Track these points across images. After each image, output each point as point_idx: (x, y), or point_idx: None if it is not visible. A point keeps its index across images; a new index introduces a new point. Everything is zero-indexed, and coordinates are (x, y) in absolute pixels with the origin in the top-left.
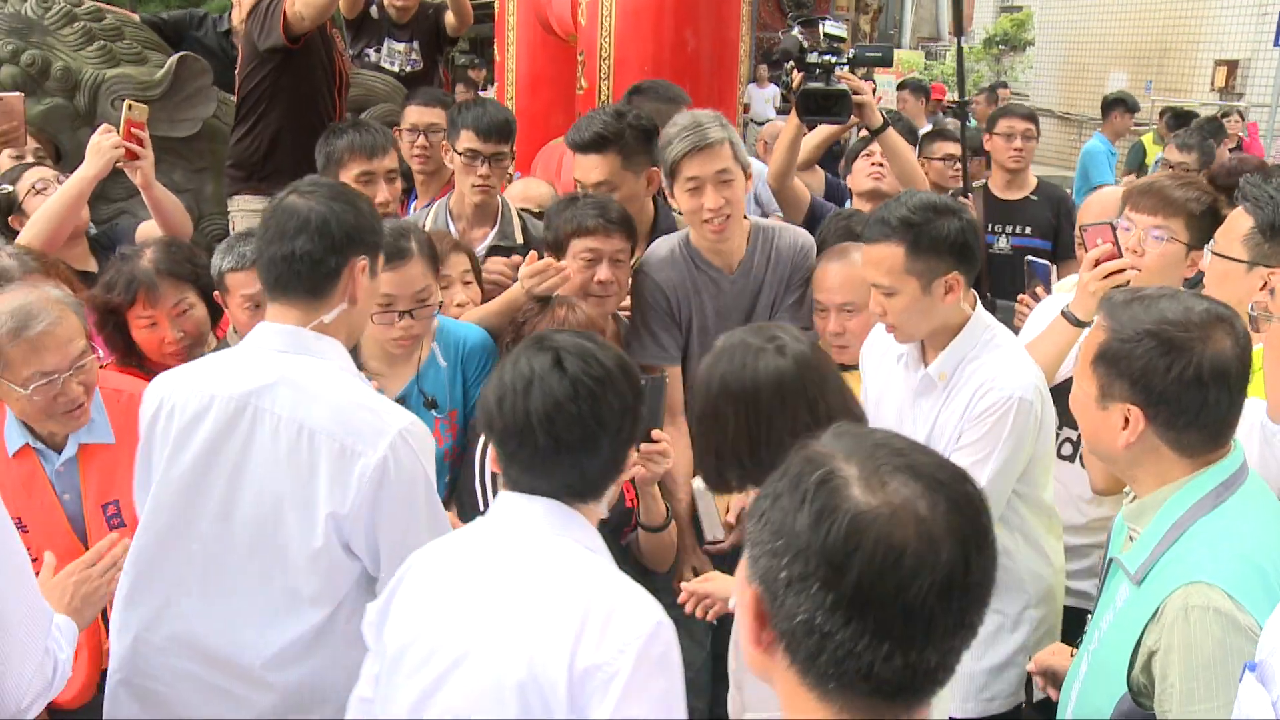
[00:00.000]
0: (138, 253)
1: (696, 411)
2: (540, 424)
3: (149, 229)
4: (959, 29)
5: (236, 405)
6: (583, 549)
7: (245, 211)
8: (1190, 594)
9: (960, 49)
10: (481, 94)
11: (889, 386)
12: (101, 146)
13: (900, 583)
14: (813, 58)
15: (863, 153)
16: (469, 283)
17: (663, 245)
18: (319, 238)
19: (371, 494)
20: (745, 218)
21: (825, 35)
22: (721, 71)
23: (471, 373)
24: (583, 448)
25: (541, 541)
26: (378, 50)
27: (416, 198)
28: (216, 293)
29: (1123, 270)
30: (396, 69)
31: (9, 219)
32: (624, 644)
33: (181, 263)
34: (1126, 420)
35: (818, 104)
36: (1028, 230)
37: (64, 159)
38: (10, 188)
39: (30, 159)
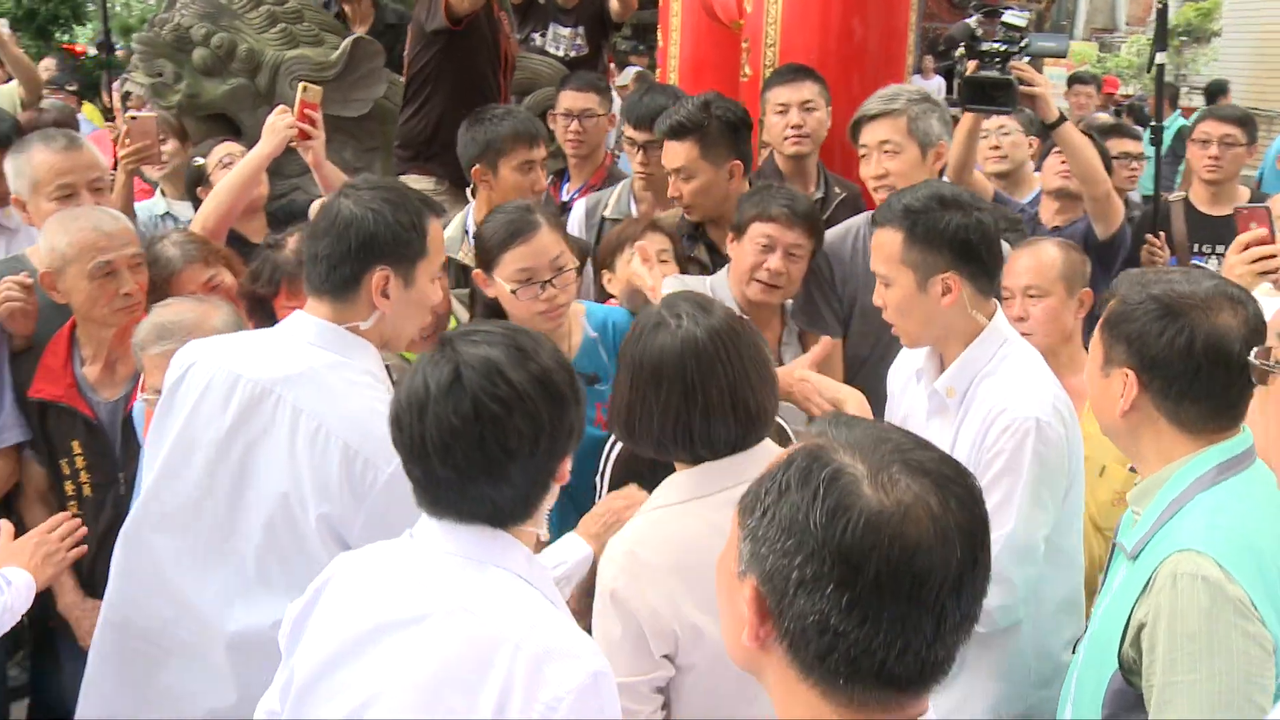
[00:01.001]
0: (281, 242)
1: None
2: (436, 452)
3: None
4: (1162, 41)
5: (262, 390)
6: (514, 578)
7: None
8: (1180, 561)
9: (1160, 68)
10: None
11: (912, 407)
12: (276, 126)
13: (915, 581)
14: (987, 46)
15: (1054, 149)
16: (665, 261)
17: (850, 221)
18: (337, 243)
19: (383, 504)
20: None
21: (1003, 24)
22: (888, 62)
23: None
24: (487, 478)
25: (465, 575)
26: (543, 35)
27: (569, 180)
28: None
29: (1274, 256)
30: (561, 53)
31: (197, 190)
32: (555, 699)
33: None
34: (1125, 386)
35: (982, 93)
36: None
37: (244, 136)
38: (201, 160)
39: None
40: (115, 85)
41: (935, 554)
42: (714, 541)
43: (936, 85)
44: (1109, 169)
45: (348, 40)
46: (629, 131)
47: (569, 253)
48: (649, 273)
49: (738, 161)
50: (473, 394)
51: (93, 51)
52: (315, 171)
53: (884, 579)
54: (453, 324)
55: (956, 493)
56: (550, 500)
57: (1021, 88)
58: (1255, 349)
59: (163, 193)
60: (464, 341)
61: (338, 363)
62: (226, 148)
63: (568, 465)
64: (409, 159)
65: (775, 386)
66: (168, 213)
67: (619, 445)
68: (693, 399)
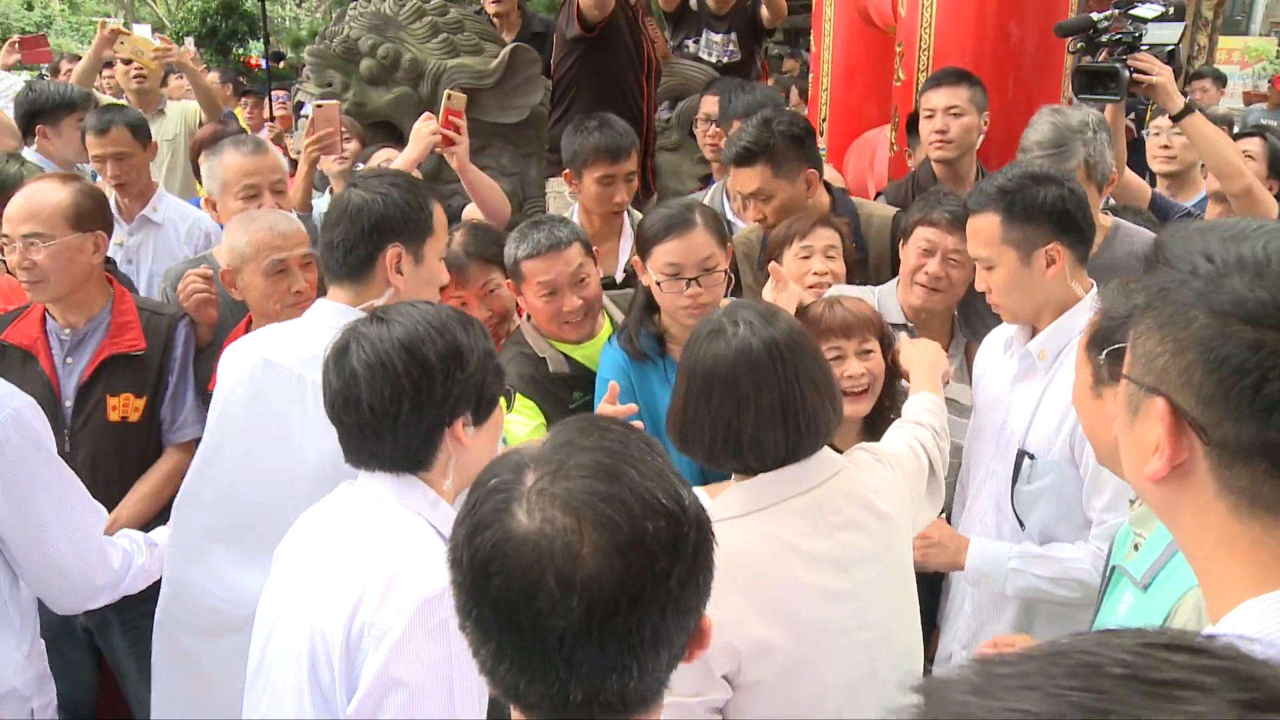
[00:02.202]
0: (448, 236)
1: None
2: (331, 410)
3: (474, 209)
4: None
5: (287, 372)
6: (411, 515)
7: (558, 193)
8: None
9: None
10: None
11: (997, 375)
12: (421, 133)
13: (535, 616)
14: (1106, 37)
15: (1154, 132)
16: (833, 258)
17: None
18: (351, 227)
19: None
20: (1104, 214)
21: (1130, 16)
22: (1045, 64)
23: None
24: (368, 433)
25: (369, 511)
26: (696, 41)
27: (714, 183)
28: (509, 281)
29: None
30: (714, 59)
31: None
32: (401, 606)
33: (488, 245)
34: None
35: (1090, 82)
36: None
37: (404, 143)
38: (361, 166)
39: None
40: (281, 96)
41: (559, 594)
42: (775, 554)
43: None
44: None
45: (506, 49)
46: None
47: (721, 254)
48: (778, 295)
49: (811, 170)
50: (349, 362)
51: (265, 64)
52: (461, 176)
53: (502, 606)
54: (605, 322)
55: (621, 531)
56: (446, 455)
57: (1140, 77)
58: (1107, 349)
59: (331, 192)
60: (368, 319)
61: None
62: (385, 154)
63: (460, 426)
64: (556, 163)
65: (836, 401)
66: None
67: None
68: (744, 408)
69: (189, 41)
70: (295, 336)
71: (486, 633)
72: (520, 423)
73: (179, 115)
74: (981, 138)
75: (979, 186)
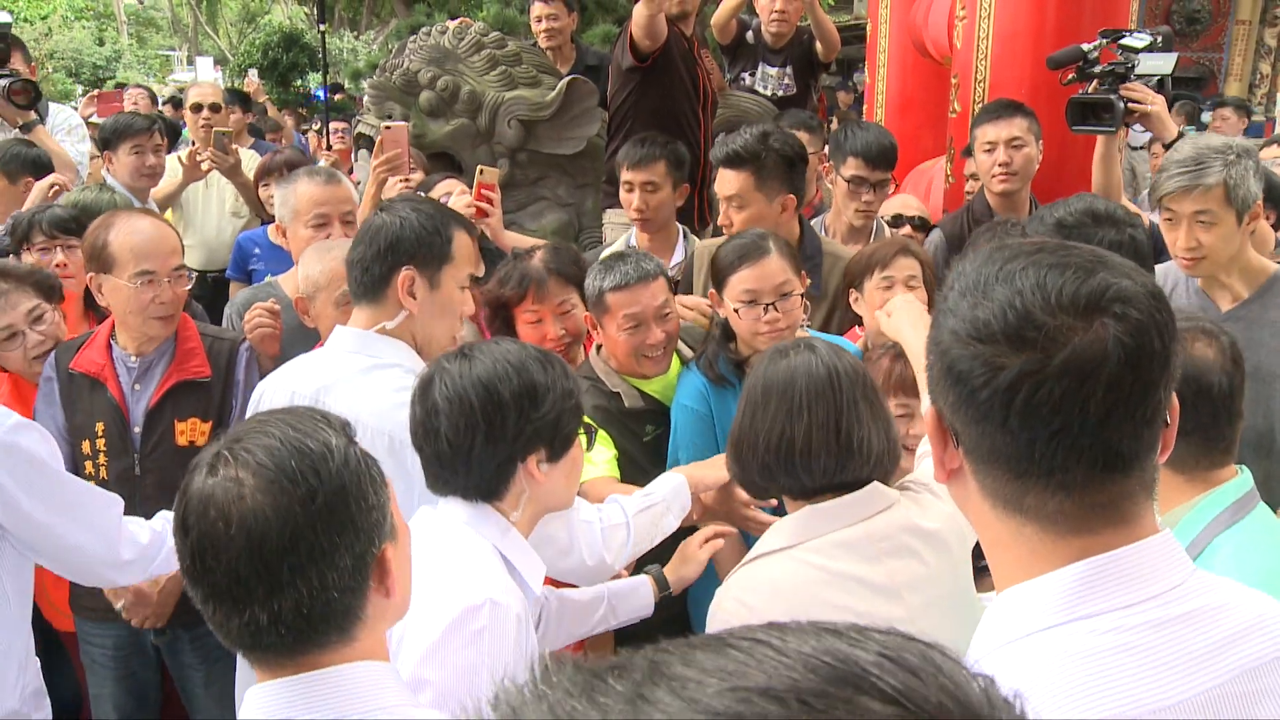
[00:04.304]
0: (530, 253)
1: None
2: (414, 439)
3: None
4: None
5: (306, 399)
6: (478, 539)
7: (615, 224)
8: None
9: None
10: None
11: None
12: (456, 206)
13: (215, 554)
14: (1097, 69)
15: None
16: (914, 288)
17: (1167, 268)
18: (368, 247)
19: None
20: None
21: (1121, 46)
22: None
23: None
24: (444, 463)
25: (443, 534)
26: (752, 74)
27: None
28: (588, 314)
29: None
30: (769, 92)
31: None
32: (443, 611)
33: (569, 264)
34: None
35: (1083, 114)
36: None
37: (464, 173)
38: (424, 195)
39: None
40: (340, 130)
41: (230, 537)
42: (821, 585)
43: None
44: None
45: (564, 81)
46: (860, 170)
47: (796, 280)
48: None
49: (790, 195)
50: (433, 395)
51: (323, 95)
52: (497, 242)
53: (196, 554)
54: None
55: (265, 475)
56: (519, 489)
57: (1134, 107)
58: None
59: None
60: (454, 355)
61: (370, 365)
62: (447, 185)
63: (534, 463)
64: (613, 193)
65: (890, 431)
66: None
67: None
68: (798, 417)
69: (252, 73)
70: (315, 364)
71: (195, 583)
72: (597, 454)
73: (250, 159)
74: (1036, 167)
75: (1038, 214)
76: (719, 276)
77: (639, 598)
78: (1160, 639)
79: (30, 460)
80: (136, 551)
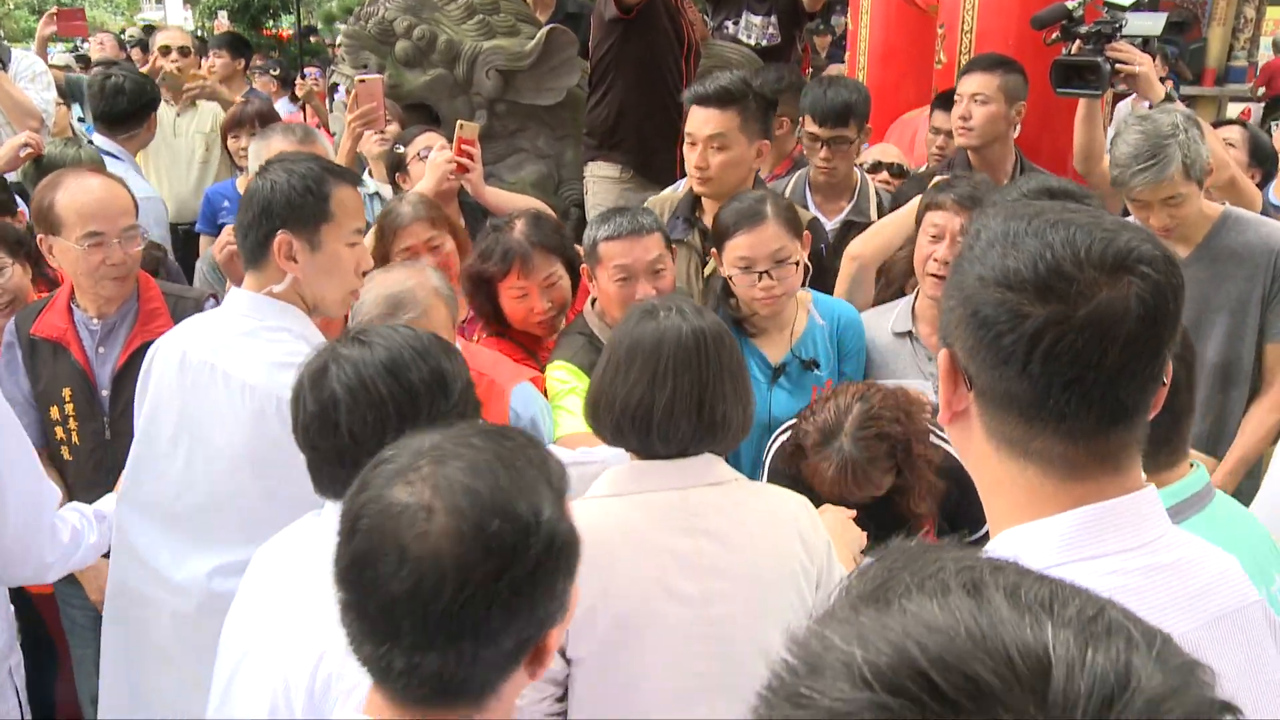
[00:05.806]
0: (508, 224)
1: None
2: (302, 433)
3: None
4: None
5: (201, 361)
6: None
7: (597, 177)
8: None
9: None
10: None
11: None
12: (436, 162)
13: (375, 578)
14: (1083, 28)
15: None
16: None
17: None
18: (244, 213)
19: None
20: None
21: (1107, 4)
22: None
23: (848, 345)
24: (340, 460)
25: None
26: (736, 23)
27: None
28: (584, 265)
29: None
30: (753, 42)
31: (396, 176)
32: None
33: (551, 235)
34: None
35: (1068, 76)
36: None
37: (442, 124)
38: (402, 149)
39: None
40: (313, 74)
41: (406, 561)
42: (623, 537)
43: None
44: None
45: (543, 30)
46: (811, 128)
47: (794, 245)
48: None
49: (766, 141)
50: (329, 385)
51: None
52: (479, 199)
53: (354, 567)
54: None
55: (476, 507)
56: None
57: (1121, 68)
58: None
59: (370, 173)
60: (348, 340)
61: (258, 328)
62: (427, 139)
63: None
64: (594, 146)
65: (749, 407)
66: (376, 193)
67: (782, 437)
68: (661, 385)
69: (222, 15)
70: (209, 326)
71: (342, 585)
72: (573, 403)
73: (212, 111)
74: (1016, 129)
75: (993, 199)
76: (718, 239)
77: None
78: (1153, 583)
79: None
80: (57, 554)
